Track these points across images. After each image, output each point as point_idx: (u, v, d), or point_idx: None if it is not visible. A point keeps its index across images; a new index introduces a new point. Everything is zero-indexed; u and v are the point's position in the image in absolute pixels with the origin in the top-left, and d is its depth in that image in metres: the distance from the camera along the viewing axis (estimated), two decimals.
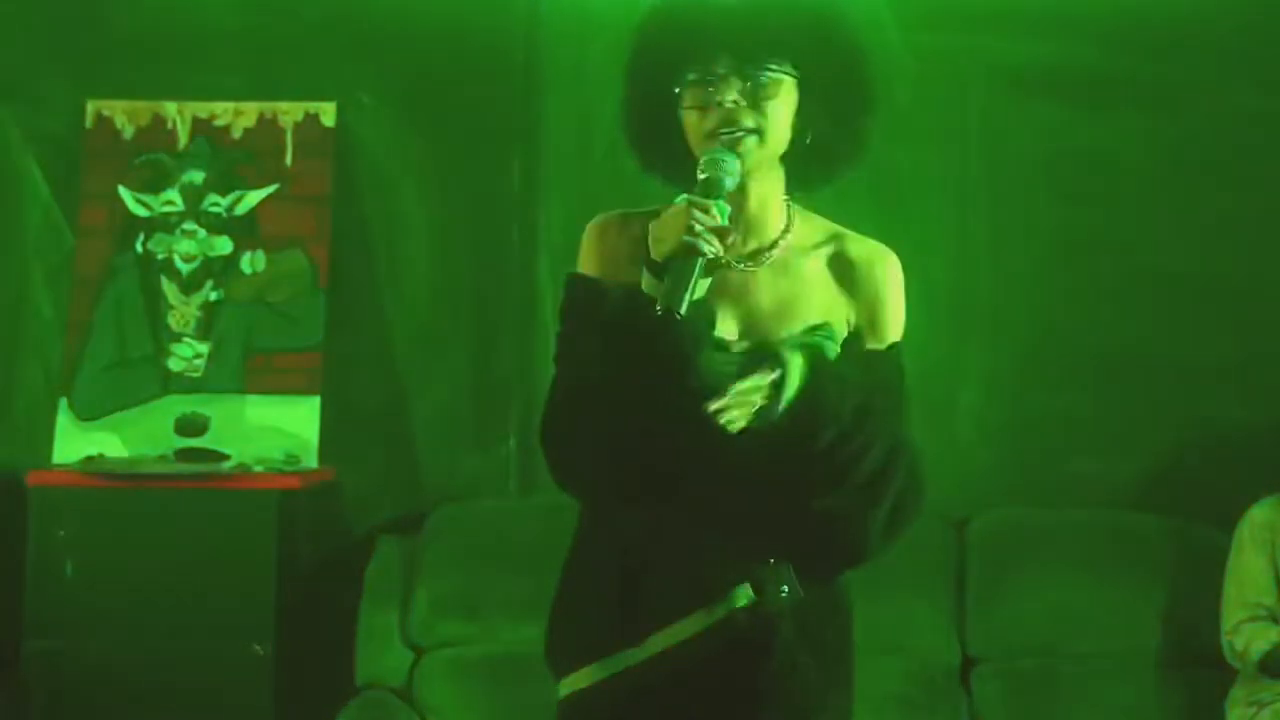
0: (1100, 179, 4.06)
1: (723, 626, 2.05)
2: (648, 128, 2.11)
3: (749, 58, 2.03)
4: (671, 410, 2.00)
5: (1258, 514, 3.63)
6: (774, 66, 2.04)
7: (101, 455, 3.89)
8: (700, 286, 1.99)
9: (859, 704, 3.70)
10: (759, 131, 2.04)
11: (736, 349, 2.07)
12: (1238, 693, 3.58)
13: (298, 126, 4.09)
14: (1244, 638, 3.54)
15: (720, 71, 2.03)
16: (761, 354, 2.03)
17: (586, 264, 2.13)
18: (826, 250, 2.14)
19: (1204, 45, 4.01)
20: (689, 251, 1.96)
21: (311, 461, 3.92)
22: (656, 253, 2.00)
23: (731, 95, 2.03)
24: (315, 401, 3.96)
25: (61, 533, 3.74)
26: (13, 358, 4.13)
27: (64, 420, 3.96)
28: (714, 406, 1.97)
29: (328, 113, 4.10)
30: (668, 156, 2.10)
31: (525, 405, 4.09)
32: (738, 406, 1.98)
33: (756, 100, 2.03)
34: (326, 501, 4.01)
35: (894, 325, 2.15)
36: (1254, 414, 3.98)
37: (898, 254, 2.18)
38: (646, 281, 2.01)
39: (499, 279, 4.13)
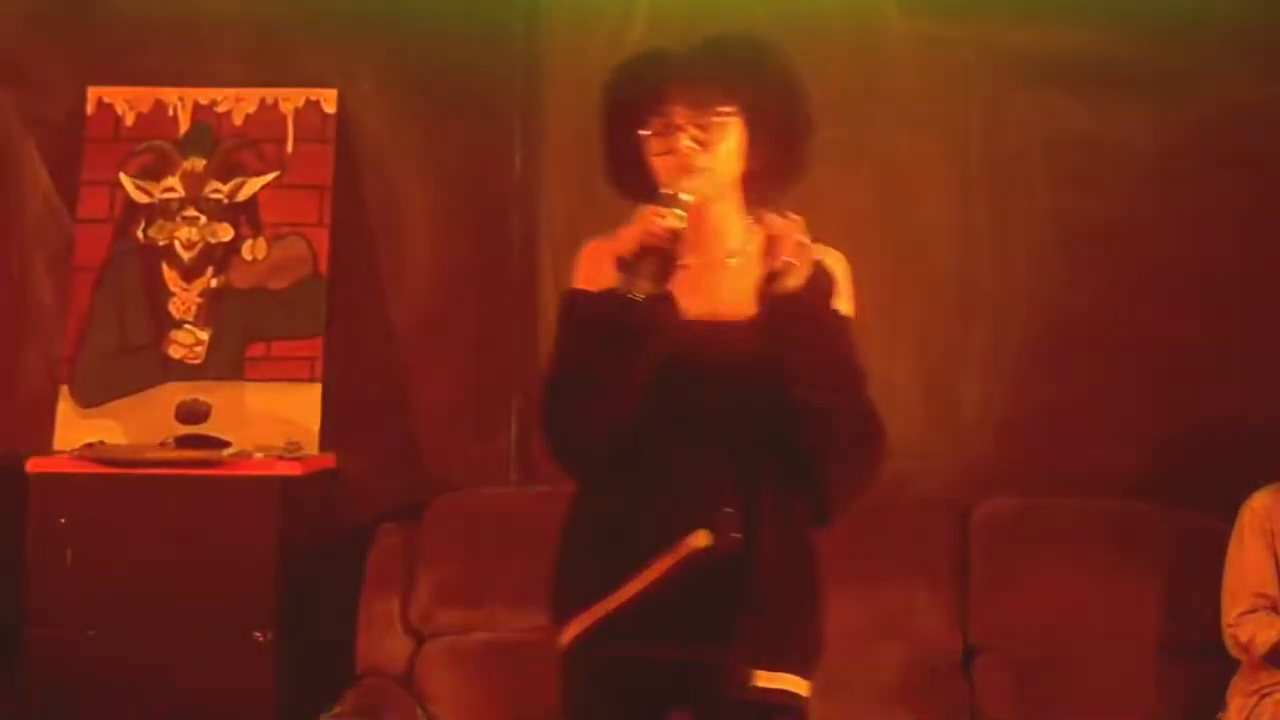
0: (1103, 166, 4.05)
1: (682, 565, 2.33)
2: (622, 168, 2.47)
3: (698, 107, 2.39)
4: (641, 379, 2.35)
5: (1257, 503, 3.62)
6: (721, 111, 2.40)
7: (102, 442, 3.89)
8: (661, 279, 2.34)
9: (861, 690, 3.73)
10: (711, 169, 2.40)
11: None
12: (1239, 682, 3.58)
13: (299, 113, 4.09)
14: (1248, 629, 3.53)
15: (676, 122, 2.40)
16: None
17: (579, 281, 2.48)
18: None
19: (1207, 32, 4.00)
20: (648, 248, 2.33)
21: (312, 449, 3.91)
22: (624, 251, 2.36)
23: (686, 142, 2.39)
24: (316, 389, 3.96)
25: (62, 520, 3.73)
26: (13, 345, 4.13)
27: (65, 407, 3.96)
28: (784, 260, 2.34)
29: (329, 100, 4.09)
30: (640, 189, 2.43)
31: (526, 393, 4.08)
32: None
33: (707, 143, 2.40)
34: (327, 489, 4.01)
35: (844, 306, 2.49)
36: (1256, 403, 3.97)
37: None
38: (617, 278, 2.35)
39: (500, 267, 4.12)
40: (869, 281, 4.14)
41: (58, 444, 3.92)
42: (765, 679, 2.36)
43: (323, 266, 4.03)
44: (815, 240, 2.44)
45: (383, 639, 3.80)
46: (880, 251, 4.03)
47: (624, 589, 2.35)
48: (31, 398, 4.07)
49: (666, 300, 2.36)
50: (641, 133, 2.41)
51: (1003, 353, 4.05)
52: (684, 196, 2.35)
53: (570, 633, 2.43)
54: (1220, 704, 3.59)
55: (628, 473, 2.39)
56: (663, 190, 2.37)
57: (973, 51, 4.05)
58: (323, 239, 4.04)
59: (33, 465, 3.81)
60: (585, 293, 2.44)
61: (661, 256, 2.34)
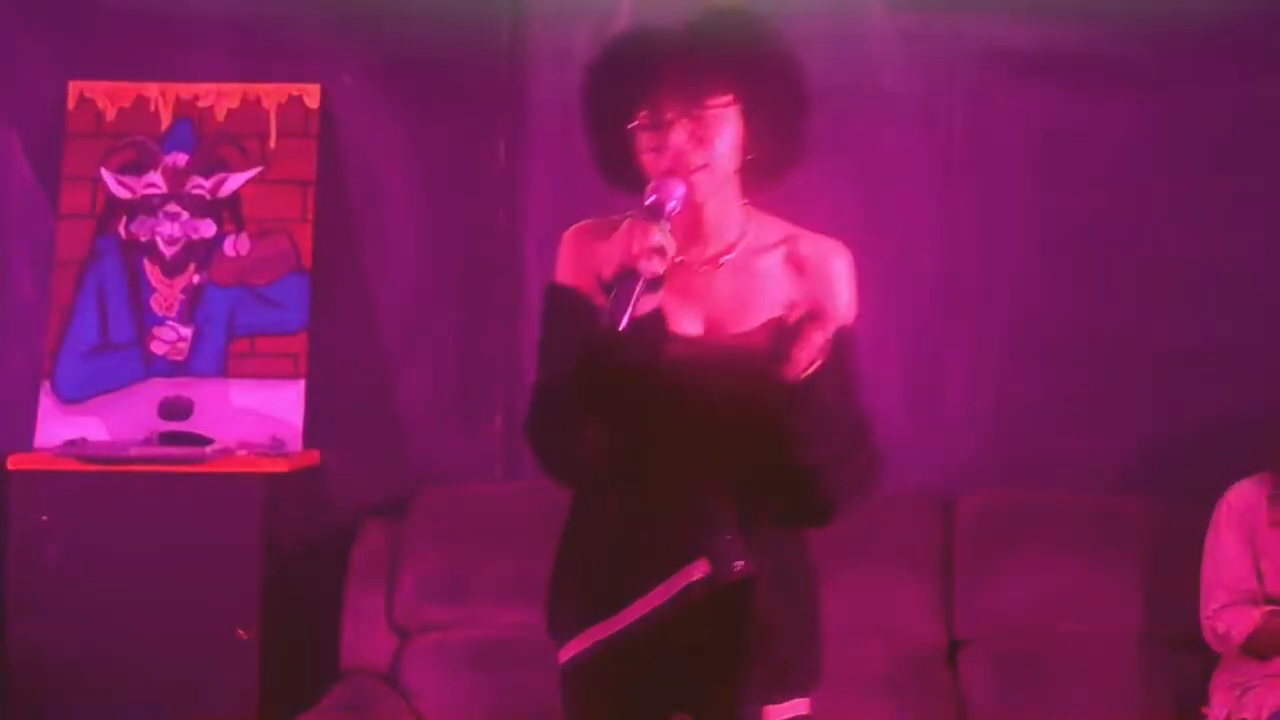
0: (1088, 162, 4.05)
1: (682, 597, 2.23)
2: (610, 156, 2.27)
3: (692, 98, 2.19)
4: (632, 409, 2.20)
5: (1235, 496, 3.62)
6: (716, 101, 2.20)
7: (84, 439, 3.87)
8: (646, 301, 2.15)
9: (846, 685, 3.72)
10: (707, 165, 2.21)
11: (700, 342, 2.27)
12: (1221, 675, 3.58)
13: (281, 108, 4.07)
14: (1226, 621, 3.54)
15: (667, 117, 2.19)
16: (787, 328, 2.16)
17: (563, 272, 2.31)
18: (781, 250, 2.32)
19: (1193, 27, 4.00)
20: (631, 272, 2.12)
21: (296, 445, 3.90)
22: (605, 272, 2.16)
23: (680, 137, 2.20)
24: (299, 385, 3.94)
25: (44, 517, 3.72)
26: None
27: (46, 404, 3.95)
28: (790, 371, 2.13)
29: (311, 95, 4.08)
30: (630, 179, 2.26)
31: (511, 388, 4.07)
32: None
33: (703, 138, 2.20)
34: (311, 485, 4.00)
35: (845, 311, 2.32)
36: (1238, 397, 3.98)
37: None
38: (601, 299, 2.16)
39: (484, 262, 4.11)
40: (853, 276, 4.17)
41: (39, 440, 3.90)
42: (774, 712, 2.27)
43: (306, 262, 4.02)
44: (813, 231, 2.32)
45: (367, 636, 3.79)
46: (864, 246, 4.01)
47: (620, 615, 2.24)
48: (12, 394, 4.05)
49: (652, 323, 2.18)
50: (630, 126, 2.20)
51: (987, 347, 4.05)
52: (672, 204, 2.16)
53: (568, 651, 2.33)
54: (1204, 697, 3.60)
55: (622, 492, 2.26)
56: (649, 200, 2.17)
57: (956, 46, 4.05)
58: (306, 234, 4.03)
59: (14, 462, 3.80)
60: (573, 301, 2.24)
61: (641, 279, 2.13)
